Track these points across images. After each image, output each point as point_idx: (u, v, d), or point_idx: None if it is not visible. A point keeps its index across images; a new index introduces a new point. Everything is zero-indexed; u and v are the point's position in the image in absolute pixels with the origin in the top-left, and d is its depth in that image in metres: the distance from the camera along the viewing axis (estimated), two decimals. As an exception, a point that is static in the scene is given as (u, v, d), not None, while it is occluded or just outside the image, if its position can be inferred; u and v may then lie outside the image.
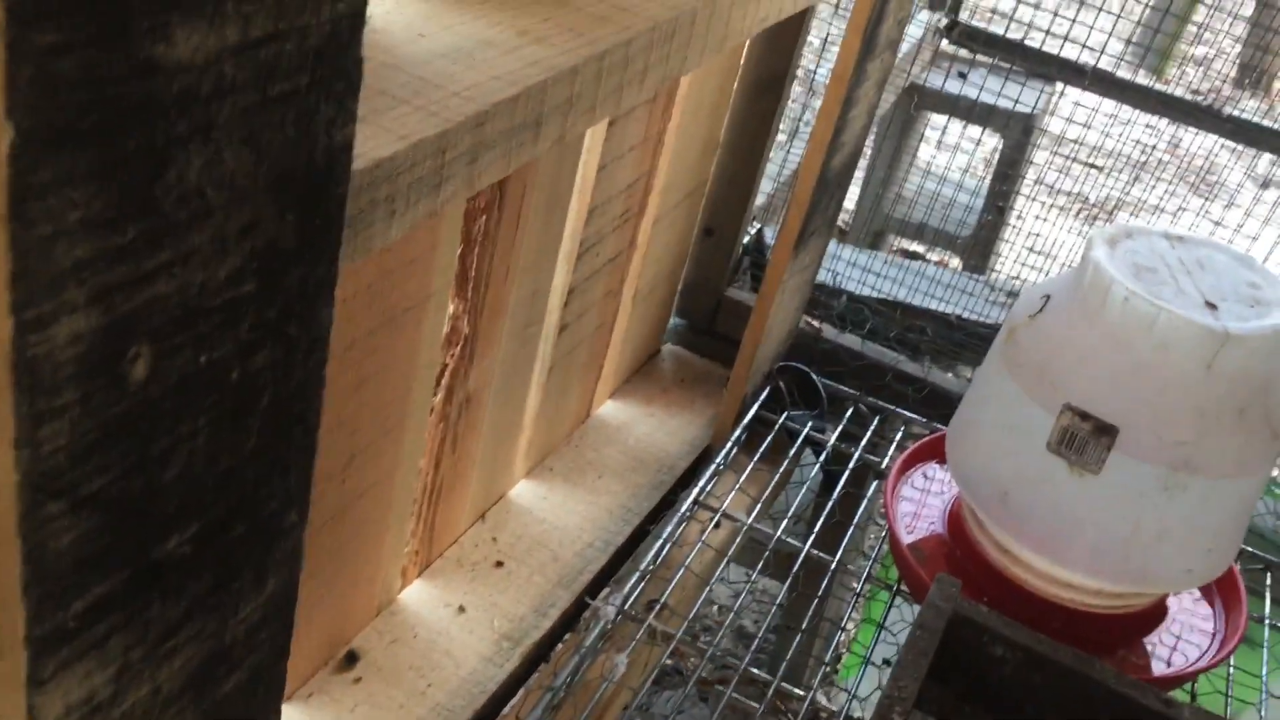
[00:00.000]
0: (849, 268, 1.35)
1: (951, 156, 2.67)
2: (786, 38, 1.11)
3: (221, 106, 0.33)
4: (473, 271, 0.80)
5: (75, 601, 0.35)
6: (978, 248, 2.25)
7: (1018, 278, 2.52)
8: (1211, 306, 0.83)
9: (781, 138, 1.44)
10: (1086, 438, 0.84)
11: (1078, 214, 3.39)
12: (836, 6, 1.44)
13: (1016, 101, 2.02)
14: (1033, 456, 0.87)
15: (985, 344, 1.26)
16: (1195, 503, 0.84)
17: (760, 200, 1.34)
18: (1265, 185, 3.65)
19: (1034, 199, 3.26)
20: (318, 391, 0.43)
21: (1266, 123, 2.25)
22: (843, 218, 2.66)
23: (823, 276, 1.32)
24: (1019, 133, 2.16)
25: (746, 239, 1.29)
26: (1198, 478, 0.83)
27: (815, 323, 1.24)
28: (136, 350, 0.33)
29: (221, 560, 0.41)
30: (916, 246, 2.68)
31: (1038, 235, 2.32)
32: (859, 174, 2.42)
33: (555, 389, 1.03)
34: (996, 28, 2.38)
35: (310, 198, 0.38)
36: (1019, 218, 2.86)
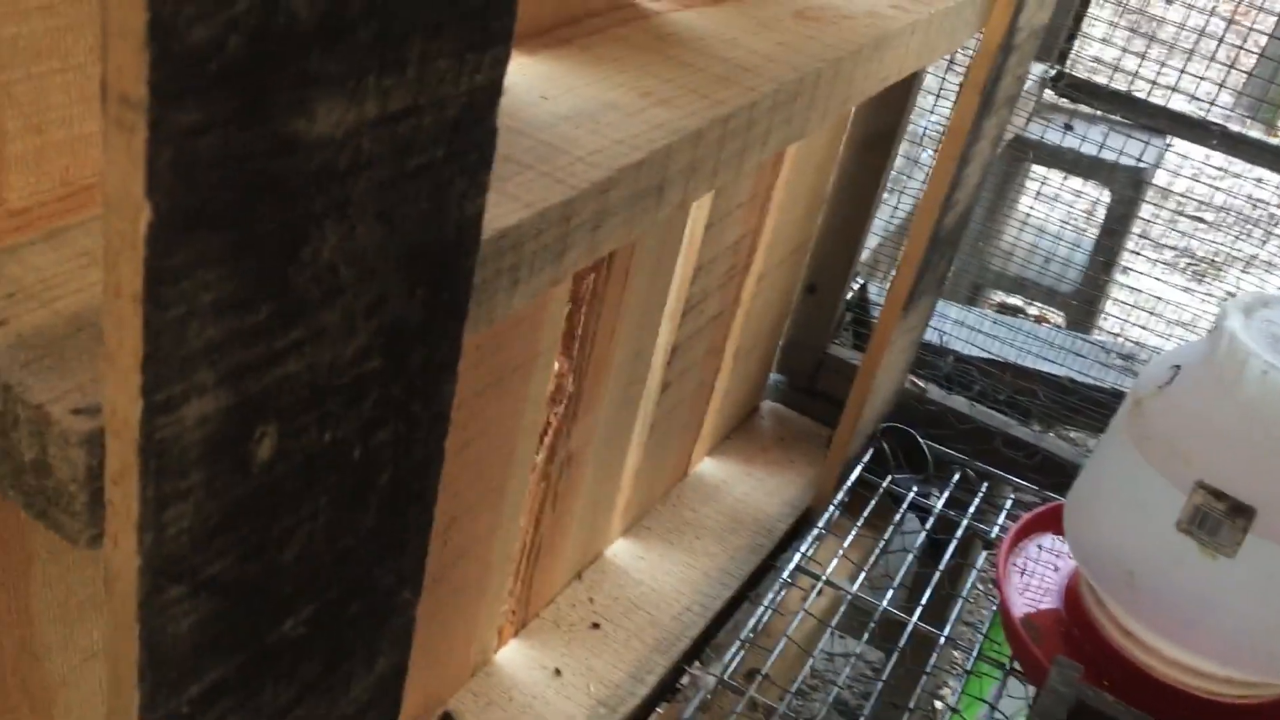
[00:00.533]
0: (955, 326, 1.31)
1: (1055, 209, 2.61)
2: (897, 93, 1.09)
3: (357, 182, 0.32)
4: (579, 330, 0.79)
5: (191, 686, 0.34)
6: (1082, 304, 2.18)
7: (1120, 334, 2.43)
8: (1358, 382, 0.78)
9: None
10: (1221, 518, 0.79)
11: (1184, 270, 3.29)
12: (951, 61, 1.41)
13: (1137, 158, 1.96)
14: (1161, 535, 0.82)
15: (1100, 409, 1.21)
16: (1340, 591, 0.78)
17: (863, 255, 1.31)
18: (1385, 242, 3.49)
19: (1139, 253, 3.17)
20: (437, 468, 0.41)
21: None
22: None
23: (928, 335, 1.28)
24: (1128, 187, 2.09)
25: (849, 295, 1.26)
26: (1344, 565, 0.77)
27: (921, 383, 1.20)
28: (263, 431, 0.32)
29: (335, 641, 0.40)
30: (1016, 300, 2.62)
31: (1142, 292, 2.24)
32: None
33: (655, 447, 1.01)
34: (1100, 77, 2.32)
35: (439, 272, 0.36)
36: (1123, 272, 2.77)
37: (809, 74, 0.63)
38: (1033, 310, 2.69)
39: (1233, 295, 0.86)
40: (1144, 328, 2.53)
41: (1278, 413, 0.78)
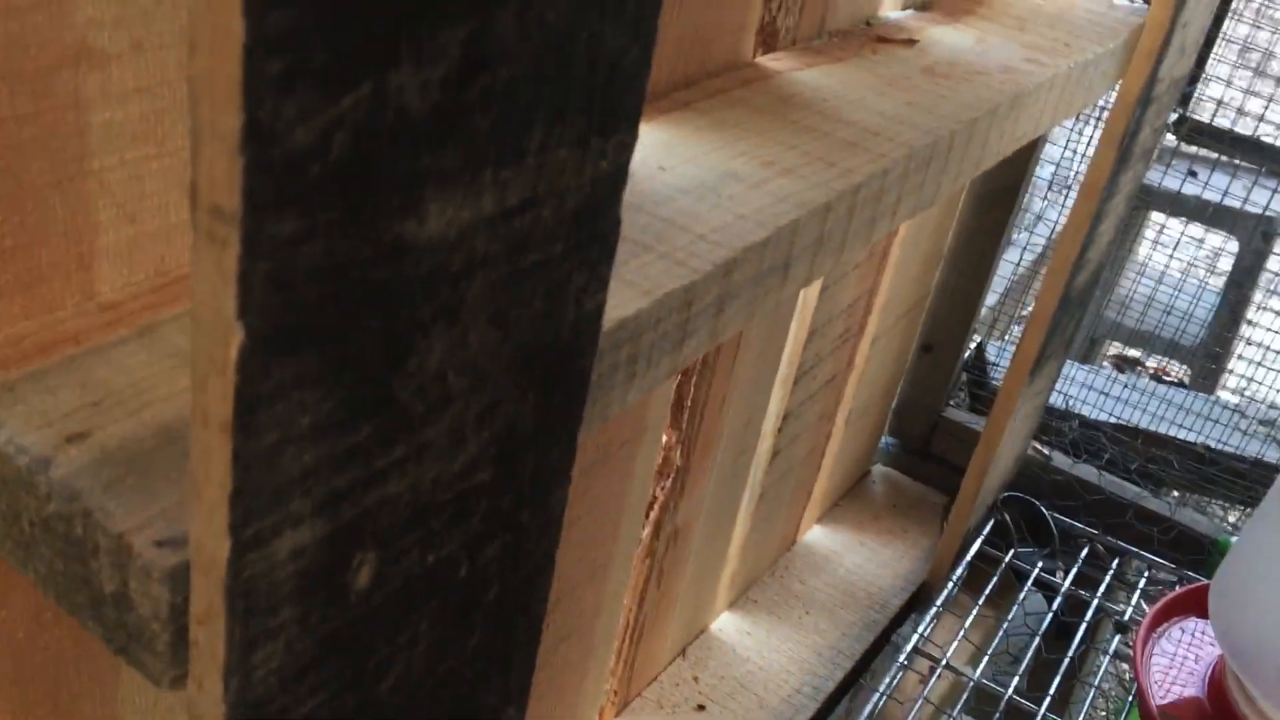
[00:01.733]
0: (1081, 389, 1.24)
1: (1177, 259, 2.50)
2: (1022, 147, 1.03)
3: (471, 284, 0.28)
4: (688, 401, 0.75)
5: (274, 840, 0.31)
6: (1205, 358, 2.07)
7: (1249, 394, 2.29)
8: None
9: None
10: (1395, 615, 0.72)
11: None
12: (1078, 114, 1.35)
13: (1265, 207, 1.86)
14: (1324, 631, 0.75)
15: (1241, 480, 1.13)
16: None
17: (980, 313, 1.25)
18: None
19: (1266, 307, 3.02)
20: (547, 579, 0.38)
21: None
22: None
23: (1052, 399, 1.21)
24: (1256, 236, 1.99)
25: (966, 355, 1.20)
26: None
27: (1045, 450, 1.14)
28: (361, 558, 0.29)
29: (433, 772, 0.36)
30: (1135, 353, 2.51)
31: (1269, 349, 2.12)
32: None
33: (763, 517, 0.96)
34: (1222, 119, 2.21)
35: (555, 373, 0.33)
36: (1250, 325, 2.64)
37: (942, 137, 0.58)
38: (1151, 363, 2.57)
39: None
40: (1269, 386, 2.40)
41: None
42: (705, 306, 0.43)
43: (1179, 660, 0.93)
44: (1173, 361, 2.41)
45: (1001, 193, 1.06)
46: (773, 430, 0.90)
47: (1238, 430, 1.22)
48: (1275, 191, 1.92)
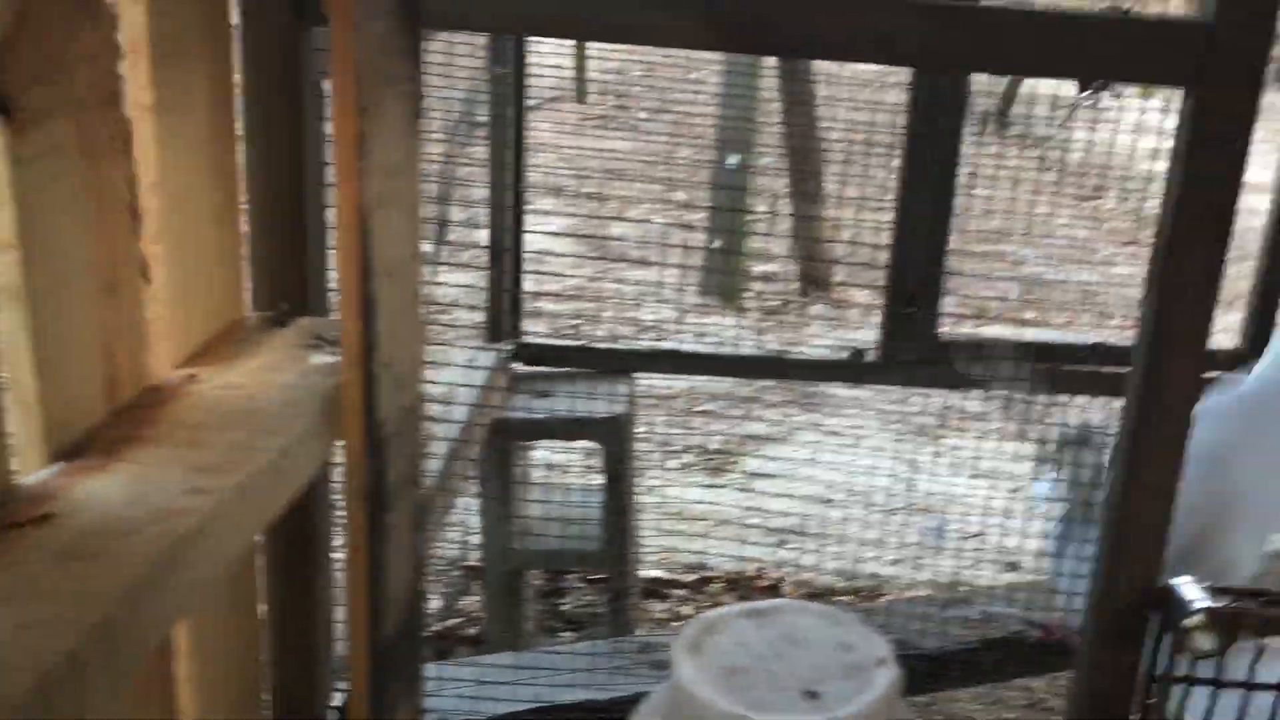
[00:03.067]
0: (470, 687, 1.20)
1: (557, 475, 2.67)
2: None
3: None
4: None
5: None
6: (613, 554, 2.18)
7: (651, 621, 2.46)
8: (812, 696, 0.75)
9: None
10: None
11: (704, 468, 3.47)
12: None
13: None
14: None
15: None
16: None
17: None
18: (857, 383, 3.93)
19: (659, 466, 3.30)
20: None
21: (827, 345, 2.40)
22: (475, 558, 2.53)
23: (444, 705, 1.16)
24: (617, 437, 2.14)
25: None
26: None
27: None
28: None
29: None
30: (554, 576, 2.60)
31: (666, 509, 2.30)
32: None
33: None
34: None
35: None
36: (650, 491, 2.87)
37: (57, 667, 0.49)
38: (574, 576, 2.69)
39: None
40: (682, 546, 2.61)
41: (753, 759, 0.73)
42: None
43: None
44: (589, 568, 2.53)
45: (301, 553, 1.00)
46: None
47: (621, 671, 1.24)
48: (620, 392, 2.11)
